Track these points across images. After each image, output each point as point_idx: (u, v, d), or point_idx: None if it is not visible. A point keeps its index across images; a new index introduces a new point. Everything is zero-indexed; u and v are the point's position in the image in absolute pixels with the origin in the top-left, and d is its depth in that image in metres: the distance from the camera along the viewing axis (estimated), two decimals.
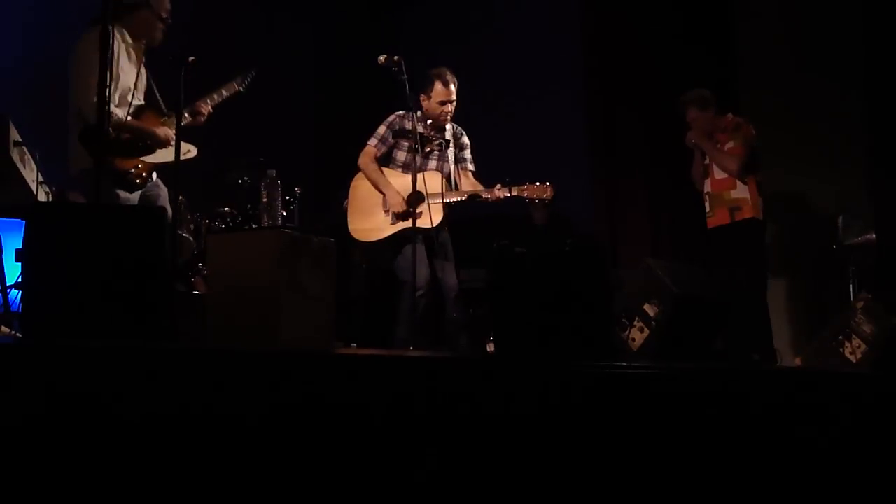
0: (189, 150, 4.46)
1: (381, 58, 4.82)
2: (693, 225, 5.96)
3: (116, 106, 4.25)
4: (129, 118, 4.34)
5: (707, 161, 5.70)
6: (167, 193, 4.45)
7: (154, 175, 4.50)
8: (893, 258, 5.92)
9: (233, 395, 2.32)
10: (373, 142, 5.19)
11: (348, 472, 2.36)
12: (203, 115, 4.54)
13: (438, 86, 5.10)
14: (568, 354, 3.38)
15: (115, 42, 4.34)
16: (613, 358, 3.69)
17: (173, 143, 4.11)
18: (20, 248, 2.95)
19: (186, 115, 4.43)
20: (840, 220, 6.22)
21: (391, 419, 2.44)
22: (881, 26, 6.21)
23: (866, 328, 4.96)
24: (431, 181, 4.94)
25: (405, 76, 4.83)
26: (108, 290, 2.81)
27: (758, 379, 3.24)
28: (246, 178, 5.50)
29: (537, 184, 4.99)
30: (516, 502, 2.52)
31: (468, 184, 5.17)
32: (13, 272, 4.30)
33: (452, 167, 5.17)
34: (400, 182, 5.09)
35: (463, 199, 5.04)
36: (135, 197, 4.40)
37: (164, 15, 4.44)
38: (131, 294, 2.83)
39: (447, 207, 4.98)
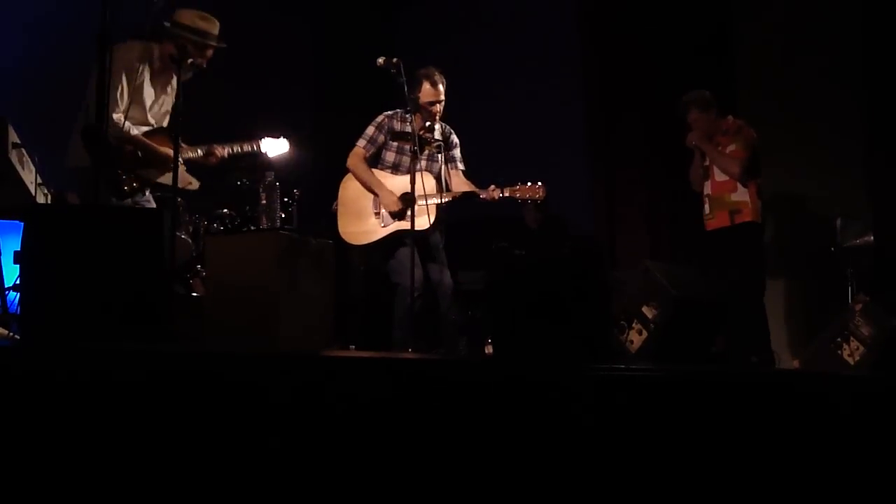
0: (191, 183, 4.61)
1: (380, 60, 4.82)
2: (692, 227, 5.94)
3: (127, 119, 4.36)
4: (137, 133, 4.44)
5: (707, 163, 5.68)
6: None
7: (147, 192, 4.54)
8: (891, 260, 5.92)
9: (231, 396, 2.32)
10: (361, 143, 5.15)
11: (345, 473, 2.36)
12: (216, 157, 4.66)
13: (426, 86, 5.08)
14: (566, 356, 3.38)
15: (143, 61, 4.48)
16: (612, 360, 3.70)
17: (182, 161, 4.29)
18: (18, 249, 2.96)
19: (200, 151, 4.51)
20: (838, 222, 6.21)
21: (389, 421, 2.44)
22: (881, 27, 6.21)
23: (864, 330, 4.96)
24: (425, 182, 4.92)
25: (404, 78, 4.82)
26: (106, 292, 2.81)
27: (756, 381, 3.24)
28: (245, 180, 5.49)
29: (528, 184, 4.96)
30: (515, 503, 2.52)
31: (460, 183, 5.14)
32: (11, 274, 4.30)
33: (443, 167, 5.15)
34: (391, 183, 5.07)
35: (457, 198, 5.01)
36: (124, 202, 4.45)
37: (199, 59, 4.51)
38: (129, 296, 2.83)
39: (440, 208, 4.96)
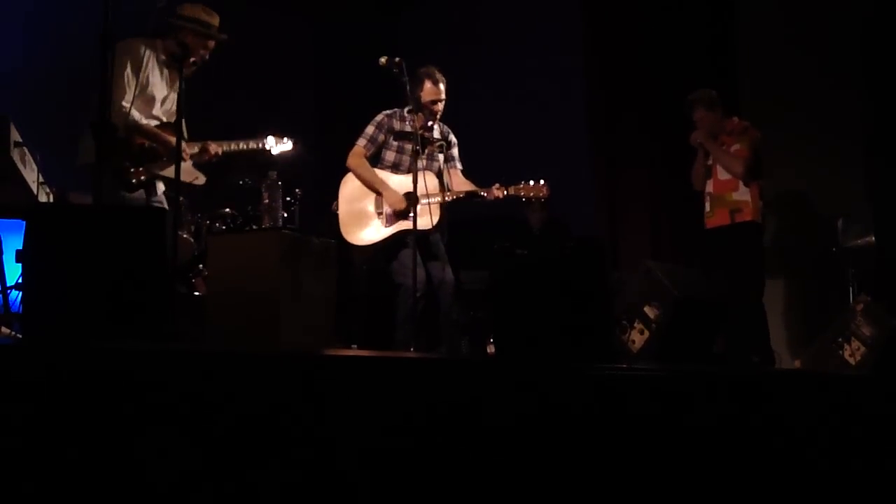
0: (197, 178, 4.65)
1: (382, 59, 4.82)
2: (694, 227, 5.95)
3: (134, 109, 4.40)
4: (145, 122, 4.48)
5: (710, 162, 5.69)
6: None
7: (160, 190, 4.55)
8: (893, 261, 5.92)
9: (233, 396, 2.32)
10: (362, 142, 5.14)
11: (346, 472, 2.36)
12: (210, 154, 4.67)
13: (428, 84, 5.07)
14: (568, 356, 3.38)
15: (148, 56, 4.53)
16: (613, 360, 3.70)
17: (185, 157, 4.31)
18: (21, 248, 2.96)
19: (196, 148, 4.56)
20: (840, 222, 6.22)
21: (391, 421, 2.44)
22: (881, 27, 6.21)
23: (866, 330, 4.96)
24: (427, 181, 4.92)
25: (406, 78, 4.82)
26: (108, 290, 2.81)
27: (757, 381, 3.24)
28: (247, 179, 5.50)
29: (532, 182, 4.97)
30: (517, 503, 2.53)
31: (460, 182, 5.14)
32: (13, 273, 4.30)
33: (443, 167, 5.15)
34: (393, 182, 5.06)
35: (461, 197, 5.01)
36: (135, 198, 4.46)
37: (202, 51, 4.57)
38: (131, 295, 2.83)
39: (444, 207, 4.96)
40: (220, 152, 4.70)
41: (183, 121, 3.99)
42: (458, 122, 5.34)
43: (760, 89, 6.73)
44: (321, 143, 8.01)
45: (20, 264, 3.24)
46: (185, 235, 5.09)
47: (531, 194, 4.98)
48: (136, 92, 4.45)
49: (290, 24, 8.11)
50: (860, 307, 5.08)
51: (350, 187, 5.12)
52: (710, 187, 5.68)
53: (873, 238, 6.05)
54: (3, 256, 4.31)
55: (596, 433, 2.66)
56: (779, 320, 6.36)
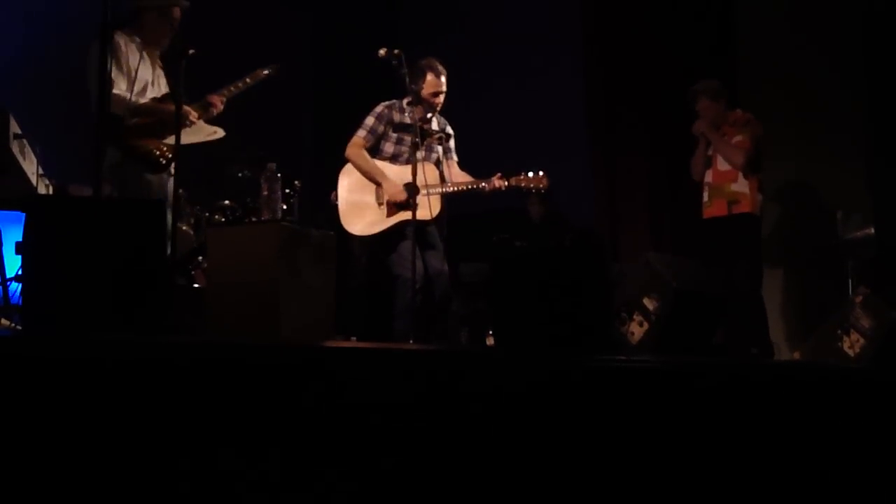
0: (216, 132, 4.58)
1: (382, 51, 4.81)
2: (693, 220, 5.95)
3: (134, 96, 4.38)
4: (145, 101, 4.46)
5: (711, 152, 5.70)
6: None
7: (172, 168, 4.55)
8: (892, 253, 5.92)
9: (232, 388, 2.32)
10: (361, 133, 5.12)
11: (346, 464, 2.37)
12: (215, 106, 4.63)
13: (430, 76, 5.06)
14: (567, 348, 3.38)
15: (125, 45, 4.49)
16: (612, 351, 3.71)
17: (193, 120, 4.38)
18: (20, 240, 2.96)
19: (201, 110, 4.52)
20: (839, 214, 6.22)
21: (391, 413, 2.44)
22: (882, 20, 6.20)
23: (865, 322, 4.96)
24: (428, 172, 4.92)
25: (405, 69, 4.82)
26: (107, 282, 2.81)
27: (756, 373, 3.25)
28: (246, 171, 5.50)
29: (531, 174, 4.97)
30: (515, 496, 2.53)
31: (458, 174, 5.15)
32: (13, 265, 4.31)
33: (441, 159, 5.15)
34: (392, 172, 5.05)
35: (463, 189, 5.01)
36: (163, 179, 4.46)
37: (172, 23, 4.53)
38: (131, 287, 2.83)
39: (444, 199, 4.96)
40: (223, 100, 4.67)
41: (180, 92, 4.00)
42: (457, 114, 5.33)
43: (760, 82, 6.72)
44: (321, 135, 8.03)
45: (20, 256, 3.24)
46: (184, 227, 5.09)
47: (531, 185, 4.99)
48: (129, 83, 4.42)
49: (289, 14, 8.09)
50: (859, 299, 5.08)
51: (350, 178, 5.11)
52: (709, 177, 5.69)
53: (873, 230, 6.05)
54: (3, 248, 4.31)
55: (594, 425, 2.66)
56: (778, 312, 6.36)
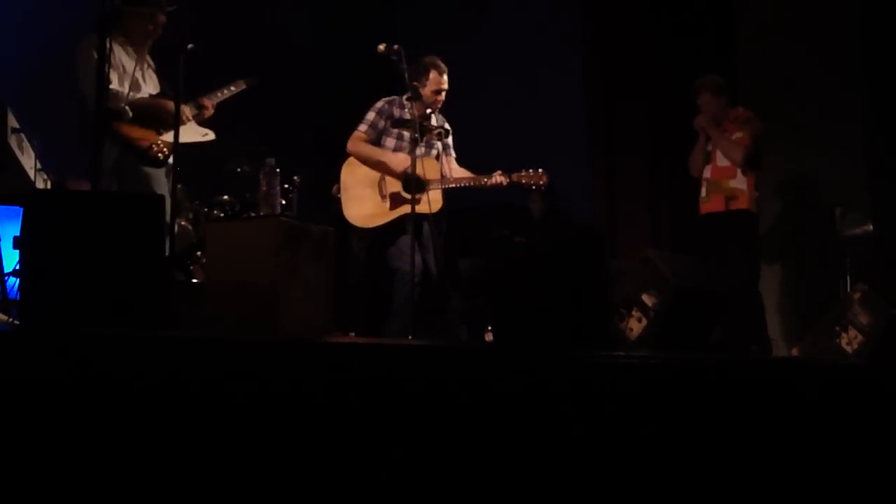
0: (207, 134, 4.66)
1: (381, 47, 4.81)
2: (692, 217, 5.96)
3: (127, 93, 4.45)
4: (141, 97, 4.52)
5: (710, 147, 5.71)
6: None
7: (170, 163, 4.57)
8: (891, 249, 5.93)
9: (230, 383, 2.32)
10: (363, 127, 5.14)
11: (345, 461, 2.37)
12: (207, 109, 4.69)
13: (433, 74, 5.08)
14: (566, 344, 3.38)
15: (110, 43, 4.44)
16: (611, 348, 3.70)
17: (189, 118, 4.48)
18: (18, 235, 2.95)
19: (195, 110, 4.57)
20: (838, 210, 6.22)
21: (389, 408, 2.44)
22: (880, 16, 6.20)
23: (863, 319, 4.96)
24: (429, 167, 4.94)
25: (405, 65, 4.82)
26: (105, 277, 2.81)
27: (755, 369, 3.25)
28: (245, 166, 5.50)
29: (531, 171, 5.01)
30: (514, 492, 2.53)
31: (456, 170, 5.18)
32: (11, 259, 4.30)
33: (441, 154, 5.16)
34: (398, 158, 5.06)
35: (465, 184, 5.05)
36: (161, 174, 4.52)
37: (156, 26, 4.59)
38: (129, 282, 2.83)
39: (444, 195, 4.98)
40: (213, 105, 4.73)
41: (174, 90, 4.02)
42: (457, 113, 5.33)
43: (760, 78, 6.73)
44: (320, 131, 8.01)
45: (17, 251, 3.24)
46: (183, 223, 5.09)
47: (531, 182, 5.03)
48: (121, 81, 4.46)
49: (289, 10, 8.08)
50: (857, 296, 5.08)
51: (352, 172, 5.14)
52: (707, 173, 5.70)
53: (871, 227, 6.06)
54: (1, 243, 4.31)
55: (593, 420, 2.66)
56: (776, 309, 6.37)
